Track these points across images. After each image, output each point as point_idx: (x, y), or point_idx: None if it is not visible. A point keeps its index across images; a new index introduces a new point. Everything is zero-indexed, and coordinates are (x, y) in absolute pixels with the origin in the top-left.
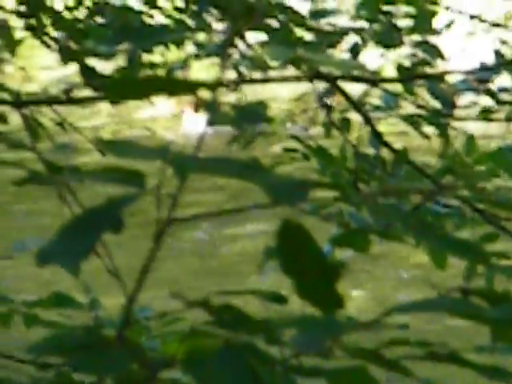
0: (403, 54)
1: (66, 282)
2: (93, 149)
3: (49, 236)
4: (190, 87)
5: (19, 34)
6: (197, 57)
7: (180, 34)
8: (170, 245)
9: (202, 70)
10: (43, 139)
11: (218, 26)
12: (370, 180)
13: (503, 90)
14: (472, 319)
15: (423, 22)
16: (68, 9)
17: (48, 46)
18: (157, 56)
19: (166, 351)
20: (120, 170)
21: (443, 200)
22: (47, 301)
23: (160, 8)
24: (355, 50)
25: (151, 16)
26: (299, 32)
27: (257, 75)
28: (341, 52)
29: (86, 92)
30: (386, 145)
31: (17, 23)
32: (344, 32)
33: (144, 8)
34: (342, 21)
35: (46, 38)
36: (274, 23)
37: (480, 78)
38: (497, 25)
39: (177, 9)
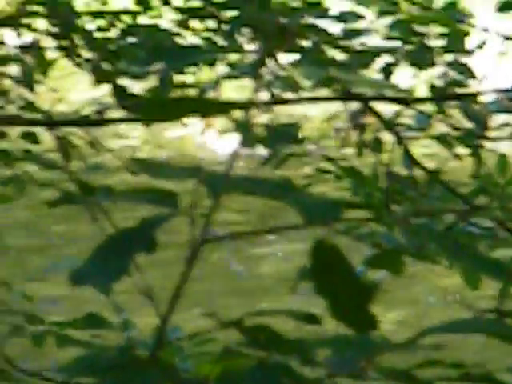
0: (435, 74)
1: (98, 303)
2: (121, 168)
3: (83, 257)
4: (223, 108)
5: (51, 54)
6: (229, 77)
7: (212, 55)
8: (201, 265)
9: (234, 90)
10: (75, 159)
11: (250, 46)
12: (402, 200)
13: None
14: (506, 340)
15: (456, 41)
16: (100, 29)
17: (80, 67)
18: (189, 76)
19: (200, 372)
20: (153, 189)
21: (476, 220)
22: (80, 321)
23: (192, 29)
24: (387, 70)
25: (183, 36)
26: (331, 52)
27: (289, 95)
28: (373, 72)
29: (118, 113)
30: (419, 165)
31: (49, 44)
32: (376, 52)
33: (176, 29)
34: (375, 41)
35: (78, 59)
36: (306, 43)
37: None
38: None
39: (209, 29)
